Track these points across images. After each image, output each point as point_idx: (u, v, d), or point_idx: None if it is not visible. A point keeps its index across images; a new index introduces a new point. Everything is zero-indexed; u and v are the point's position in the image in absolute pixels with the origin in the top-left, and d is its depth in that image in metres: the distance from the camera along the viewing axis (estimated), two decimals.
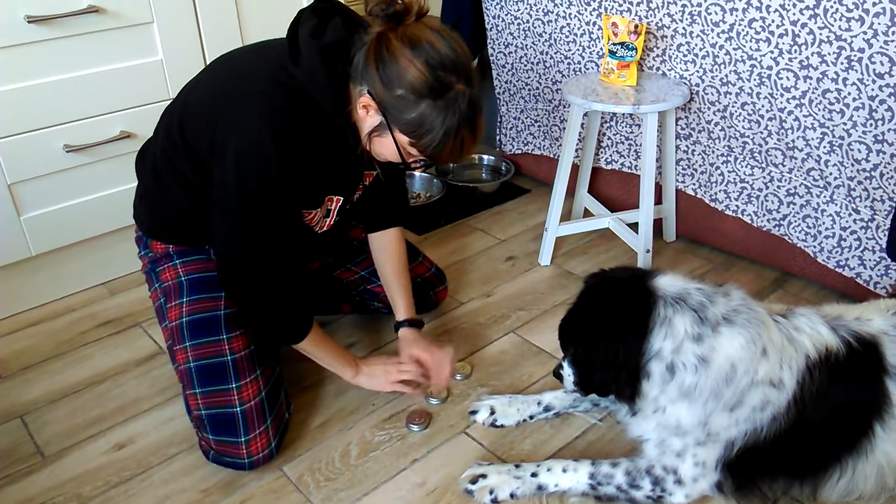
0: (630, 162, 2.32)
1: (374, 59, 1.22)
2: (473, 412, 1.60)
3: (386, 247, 1.70)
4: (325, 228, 1.56)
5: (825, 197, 1.88)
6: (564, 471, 1.36)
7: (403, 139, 1.28)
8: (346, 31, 1.29)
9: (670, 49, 2.02)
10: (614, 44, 2.00)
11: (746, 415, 1.23)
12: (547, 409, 1.58)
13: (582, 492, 1.35)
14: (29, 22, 1.71)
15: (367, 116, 1.29)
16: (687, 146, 2.14)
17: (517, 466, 1.40)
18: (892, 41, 1.58)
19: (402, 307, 1.70)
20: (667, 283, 1.25)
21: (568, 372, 1.38)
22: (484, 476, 1.39)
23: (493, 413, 1.58)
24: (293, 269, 1.44)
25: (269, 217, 1.34)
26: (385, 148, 1.32)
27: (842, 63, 1.67)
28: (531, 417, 1.58)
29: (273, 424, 1.47)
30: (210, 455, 1.47)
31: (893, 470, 1.27)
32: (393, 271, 1.70)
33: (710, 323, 1.21)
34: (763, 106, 1.87)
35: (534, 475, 1.37)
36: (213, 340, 1.46)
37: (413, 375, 1.60)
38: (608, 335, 1.25)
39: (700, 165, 2.14)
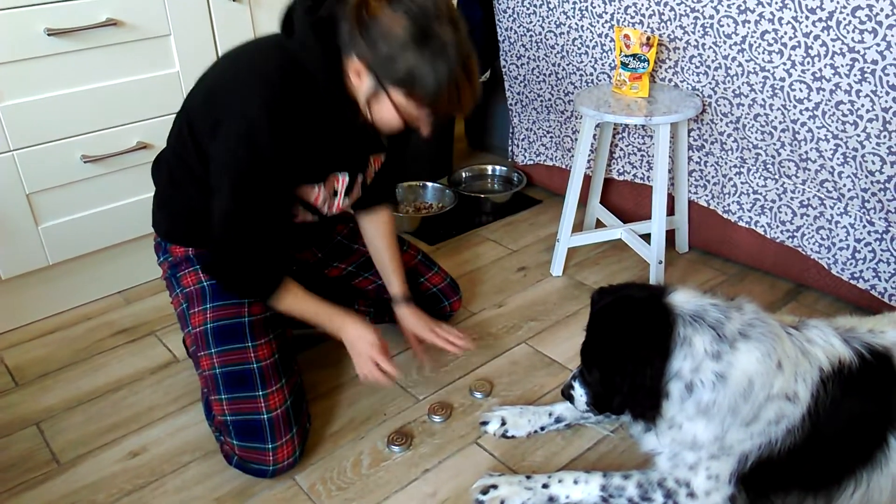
0: (642, 173, 2.32)
1: (357, 24, 1.24)
2: (484, 423, 1.60)
3: (378, 227, 1.72)
4: (334, 210, 1.55)
5: (839, 208, 1.87)
6: (576, 482, 1.35)
7: (399, 97, 1.28)
8: (338, 7, 1.31)
9: (682, 61, 2.03)
10: (626, 55, 2.01)
11: (762, 428, 1.22)
12: (558, 420, 1.58)
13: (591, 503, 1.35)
14: (49, 35, 1.74)
15: (361, 83, 1.30)
16: (699, 157, 2.14)
17: (528, 478, 1.40)
18: None
19: (397, 284, 1.71)
20: (683, 300, 1.24)
21: (580, 392, 1.37)
22: (495, 487, 1.39)
23: (503, 424, 1.58)
24: (277, 239, 1.46)
25: (260, 189, 1.35)
26: (384, 111, 1.32)
27: (855, 75, 1.67)
28: (542, 429, 1.58)
29: (298, 433, 1.49)
30: (233, 461, 1.48)
31: None
32: (386, 250, 1.71)
33: (727, 340, 1.20)
34: (776, 117, 1.87)
35: (545, 486, 1.37)
36: (240, 348, 1.48)
37: (389, 378, 1.55)
38: (635, 358, 1.23)
39: (713, 176, 2.14)
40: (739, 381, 1.19)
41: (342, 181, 1.51)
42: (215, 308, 1.51)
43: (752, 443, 1.24)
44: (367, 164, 1.56)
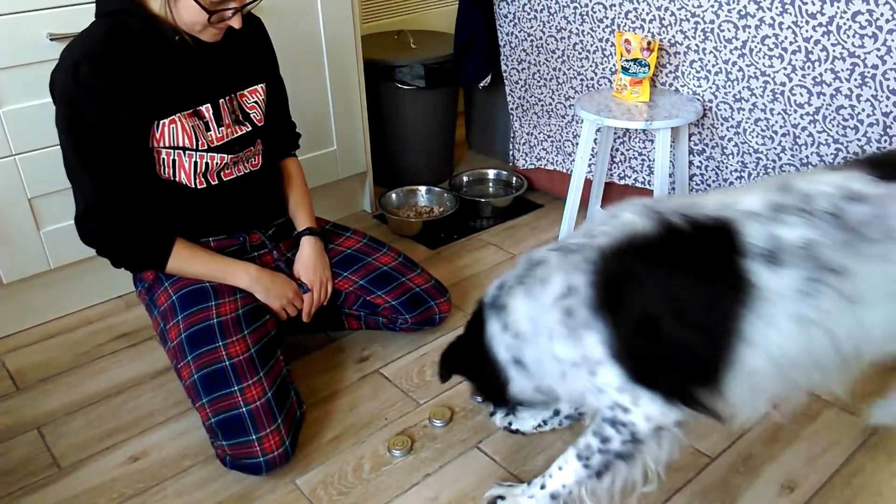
0: (643, 177, 2.32)
1: None
2: (493, 413, 1.63)
3: (290, 172, 1.80)
4: (220, 141, 1.55)
5: None
6: (561, 468, 1.33)
7: None
8: None
9: (683, 65, 2.03)
10: (627, 60, 2.01)
11: (570, 328, 1.21)
12: (556, 413, 1.60)
13: (582, 477, 1.30)
14: (51, 39, 1.74)
15: None
16: (700, 162, 2.15)
17: (529, 485, 1.40)
18: None
19: (303, 219, 1.76)
20: (490, 293, 1.37)
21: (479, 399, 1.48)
22: (502, 497, 1.40)
23: (508, 415, 1.60)
24: (140, 196, 1.49)
25: (96, 141, 1.42)
26: (186, 8, 1.38)
27: (855, 79, 1.67)
28: (545, 422, 1.59)
29: (285, 423, 1.48)
30: (227, 462, 1.47)
31: (785, 355, 1.12)
32: (298, 194, 1.79)
33: (504, 307, 1.31)
34: (776, 122, 1.87)
35: (543, 487, 1.36)
36: (211, 349, 1.49)
37: (306, 302, 1.70)
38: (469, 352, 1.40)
39: (713, 181, 2.14)
40: (524, 324, 1.27)
41: (207, 110, 1.53)
42: (186, 317, 1.53)
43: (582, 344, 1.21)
44: (230, 90, 1.57)
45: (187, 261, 1.57)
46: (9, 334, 1.99)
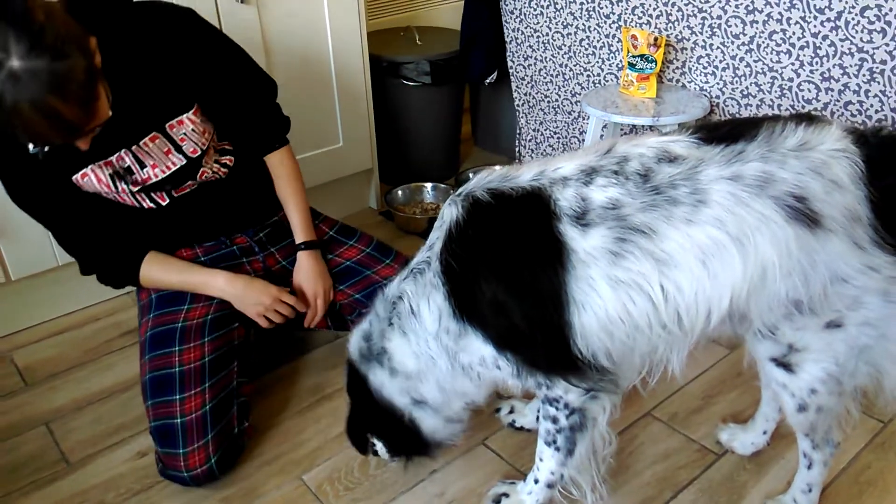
0: None
1: None
2: (497, 410, 1.64)
3: (274, 169, 1.64)
4: (147, 182, 1.45)
5: None
6: (542, 460, 1.33)
7: None
8: None
9: (690, 61, 2.02)
10: (634, 56, 2.00)
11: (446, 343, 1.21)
12: None
13: (560, 459, 1.31)
14: None
15: None
16: None
17: (525, 481, 1.40)
18: None
19: (298, 228, 1.64)
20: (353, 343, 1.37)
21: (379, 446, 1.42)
22: (506, 495, 1.40)
23: (512, 412, 1.62)
24: (96, 222, 1.48)
25: (32, 199, 1.41)
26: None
27: (864, 75, 1.66)
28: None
29: (215, 440, 1.45)
30: (159, 469, 1.47)
31: (610, 319, 1.08)
32: (286, 192, 1.63)
33: (380, 351, 1.29)
34: None
35: (536, 481, 1.36)
36: (166, 353, 1.49)
37: (287, 310, 1.60)
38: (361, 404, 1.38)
39: None
40: (411, 363, 1.26)
41: (127, 156, 1.40)
42: (155, 317, 1.54)
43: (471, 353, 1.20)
44: (148, 130, 1.41)
45: (158, 274, 1.54)
46: (17, 330, 2.00)
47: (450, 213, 1.16)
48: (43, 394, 1.77)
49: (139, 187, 1.45)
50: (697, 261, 1.03)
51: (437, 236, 1.19)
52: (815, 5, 1.68)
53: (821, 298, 1.07)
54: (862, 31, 1.62)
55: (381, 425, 1.37)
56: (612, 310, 1.06)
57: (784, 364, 1.17)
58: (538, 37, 2.40)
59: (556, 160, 1.15)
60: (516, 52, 2.51)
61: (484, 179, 1.16)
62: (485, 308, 1.12)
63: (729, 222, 1.02)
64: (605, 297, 1.06)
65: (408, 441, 1.36)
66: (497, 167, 1.32)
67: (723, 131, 1.09)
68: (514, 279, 1.09)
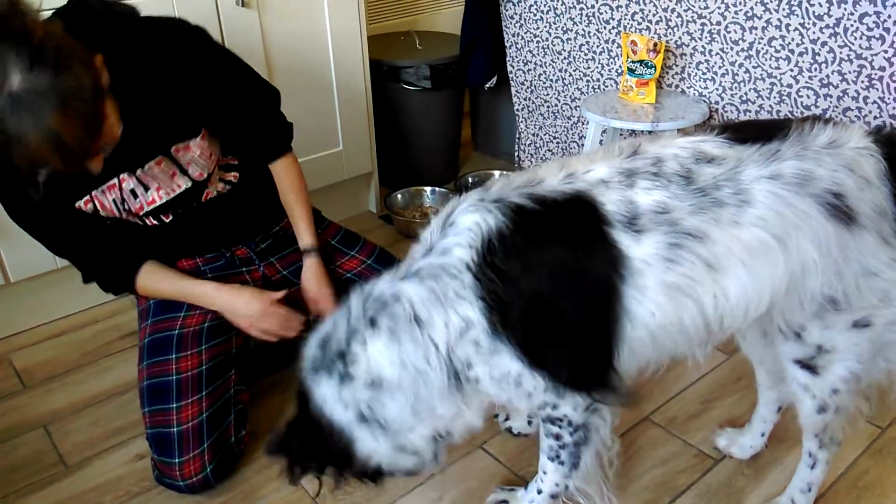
0: None
1: None
2: (496, 416, 1.64)
3: (279, 177, 1.59)
4: (151, 205, 1.43)
5: None
6: (546, 472, 1.33)
7: None
8: None
9: (689, 67, 2.03)
10: (633, 61, 2.01)
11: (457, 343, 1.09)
12: None
13: (565, 472, 1.30)
14: None
15: None
16: None
17: (527, 490, 1.40)
18: None
19: (303, 233, 1.60)
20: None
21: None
22: (506, 502, 1.40)
23: (508, 418, 1.62)
24: (95, 236, 1.46)
25: (31, 220, 1.40)
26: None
27: (862, 81, 1.67)
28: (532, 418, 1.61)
29: (211, 448, 1.45)
30: (155, 476, 1.47)
31: (660, 326, 1.06)
32: (290, 199, 1.59)
33: (340, 354, 1.12)
34: None
35: (540, 491, 1.36)
36: (164, 360, 1.48)
37: (278, 322, 1.53)
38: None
39: None
40: (389, 370, 1.10)
41: (131, 179, 1.38)
42: (153, 323, 1.54)
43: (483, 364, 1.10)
44: (153, 154, 1.38)
45: (153, 285, 1.52)
46: (16, 332, 2.00)
47: (483, 220, 1.05)
48: (41, 396, 1.77)
49: (144, 212, 1.44)
50: (743, 262, 1.03)
51: (455, 242, 1.06)
52: (813, 12, 1.69)
53: (854, 293, 1.07)
54: (861, 38, 1.63)
55: (312, 447, 1.20)
56: (664, 318, 1.04)
57: (810, 366, 1.17)
58: (538, 42, 2.40)
59: (573, 162, 1.10)
60: (516, 56, 2.51)
61: (511, 185, 1.09)
62: (530, 323, 1.05)
63: (773, 221, 1.01)
64: (659, 305, 1.03)
65: (337, 462, 1.21)
66: (497, 172, 1.28)
67: (751, 131, 1.09)
68: (569, 291, 1.04)
